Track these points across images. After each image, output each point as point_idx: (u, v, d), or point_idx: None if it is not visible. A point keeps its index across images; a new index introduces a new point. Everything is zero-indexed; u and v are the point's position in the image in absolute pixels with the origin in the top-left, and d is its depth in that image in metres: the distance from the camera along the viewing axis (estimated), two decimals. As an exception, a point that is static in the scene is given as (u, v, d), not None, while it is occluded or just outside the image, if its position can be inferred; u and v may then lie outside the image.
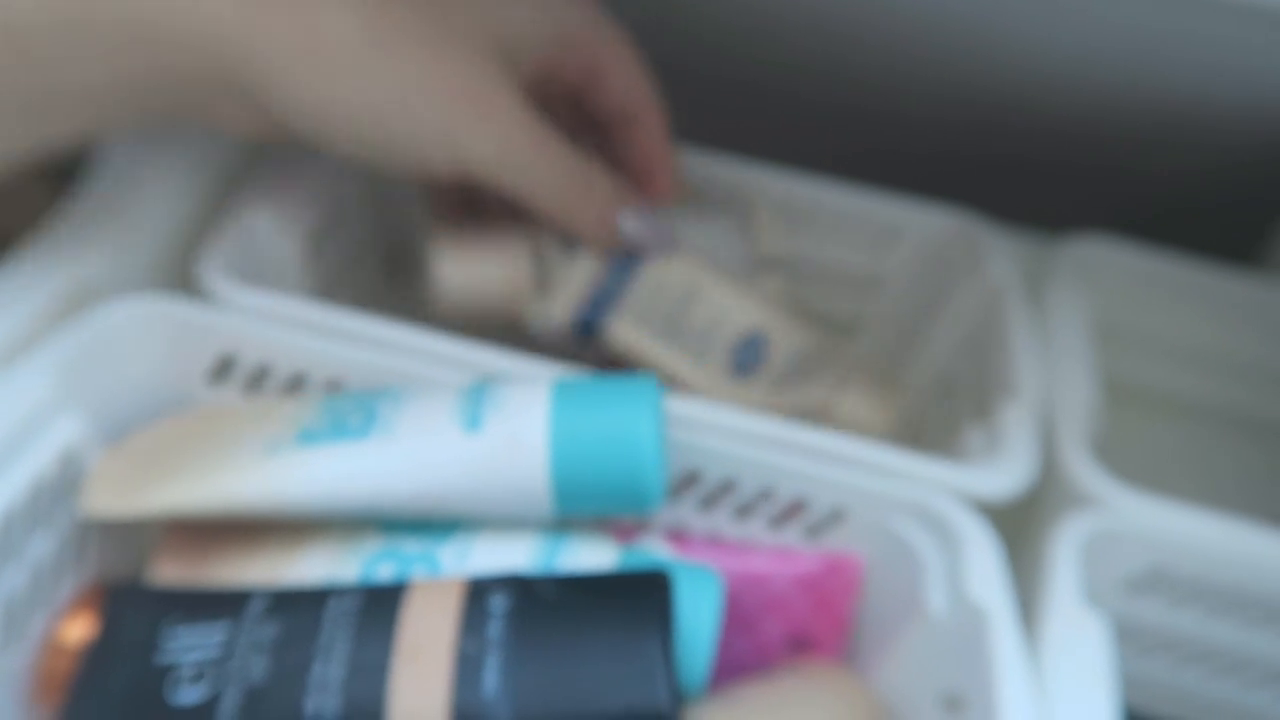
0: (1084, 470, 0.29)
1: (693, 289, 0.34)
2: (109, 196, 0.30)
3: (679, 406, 0.28)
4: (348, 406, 0.27)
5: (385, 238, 0.42)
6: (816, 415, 0.34)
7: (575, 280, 0.33)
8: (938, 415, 0.38)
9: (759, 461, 0.28)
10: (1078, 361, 0.33)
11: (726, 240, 0.37)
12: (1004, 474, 0.29)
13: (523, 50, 0.30)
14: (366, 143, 0.27)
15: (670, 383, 0.33)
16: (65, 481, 0.27)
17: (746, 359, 0.34)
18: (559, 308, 0.33)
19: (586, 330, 0.33)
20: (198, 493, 0.25)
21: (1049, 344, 0.34)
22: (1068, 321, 0.35)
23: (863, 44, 0.44)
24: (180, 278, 0.32)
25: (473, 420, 0.25)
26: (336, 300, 0.38)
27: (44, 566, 0.26)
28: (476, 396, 0.26)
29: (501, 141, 0.28)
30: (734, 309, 0.34)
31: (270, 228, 0.33)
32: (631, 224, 0.32)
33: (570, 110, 0.33)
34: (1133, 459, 0.40)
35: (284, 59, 0.25)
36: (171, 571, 0.27)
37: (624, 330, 0.33)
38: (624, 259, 0.33)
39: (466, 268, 0.32)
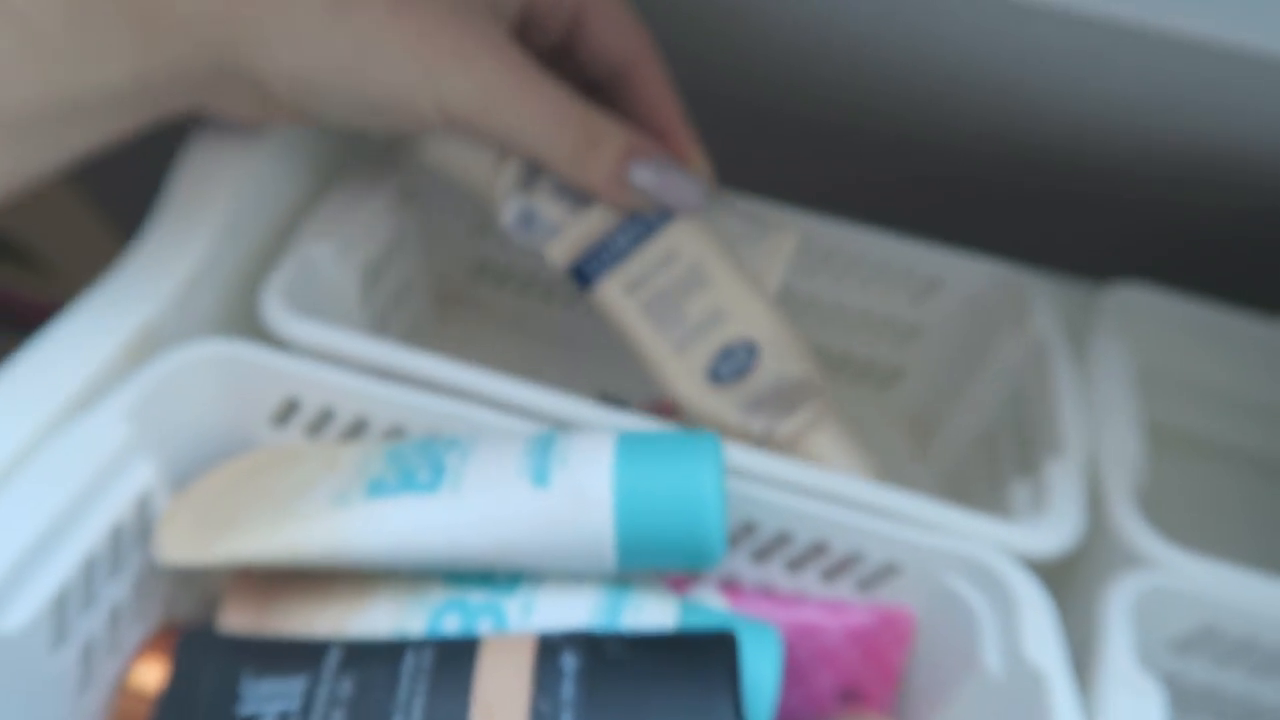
0: (1134, 529, 0.30)
1: (702, 273, 0.32)
2: (172, 236, 0.31)
3: (737, 457, 0.29)
4: (415, 457, 0.27)
5: (435, 270, 0.43)
6: (780, 448, 0.32)
7: (581, 225, 0.32)
8: (980, 465, 0.39)
9: (814, 515, 0.29)
10: (1123, 415, 0.34)
11: (751, 246, 0.35)
12: (1053, 532, 0.29)
13: (503, 4, 0.29)
14: (352, 103, 0.28)
15: (640, 363, 0.32)
16: (140, 526, 0.27)
17: (729, 367, 0.32)
18: (559, 250, 0.32)
19: (580, 280, 0.32)
20: (268, 543, 0.26)
21: (1093, 396, 0.35)
22: (1112, 373, 0.35)
23: (906, 85, 0.44)
24: (244, 312, 0.33)
25: (539, 475, 0.26)
26: (389, 330, 0.39)
27: (119, 610, 0.27)
28: (543, 450, 0.27)
29: (483, 88, 0.27)
30: (737, 311, 0.32)
31: (331, 261, 0.33)
32: (646, 176, 0.30)
33: (568, 73, 0.32)
34: (1175, 506, 0.41)
35: (261, 32, 0.26)
36: (239, 618, 0.27)
37: (613, 293, 0.32)
38: (641, 218, 0.32)
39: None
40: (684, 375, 0.32)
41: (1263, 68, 0.38)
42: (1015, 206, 0.48)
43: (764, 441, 0.32)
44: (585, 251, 0.32)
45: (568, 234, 0.32)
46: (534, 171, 0.32)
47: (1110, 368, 0.36)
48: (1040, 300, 0.38)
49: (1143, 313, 0.40)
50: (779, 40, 0.43)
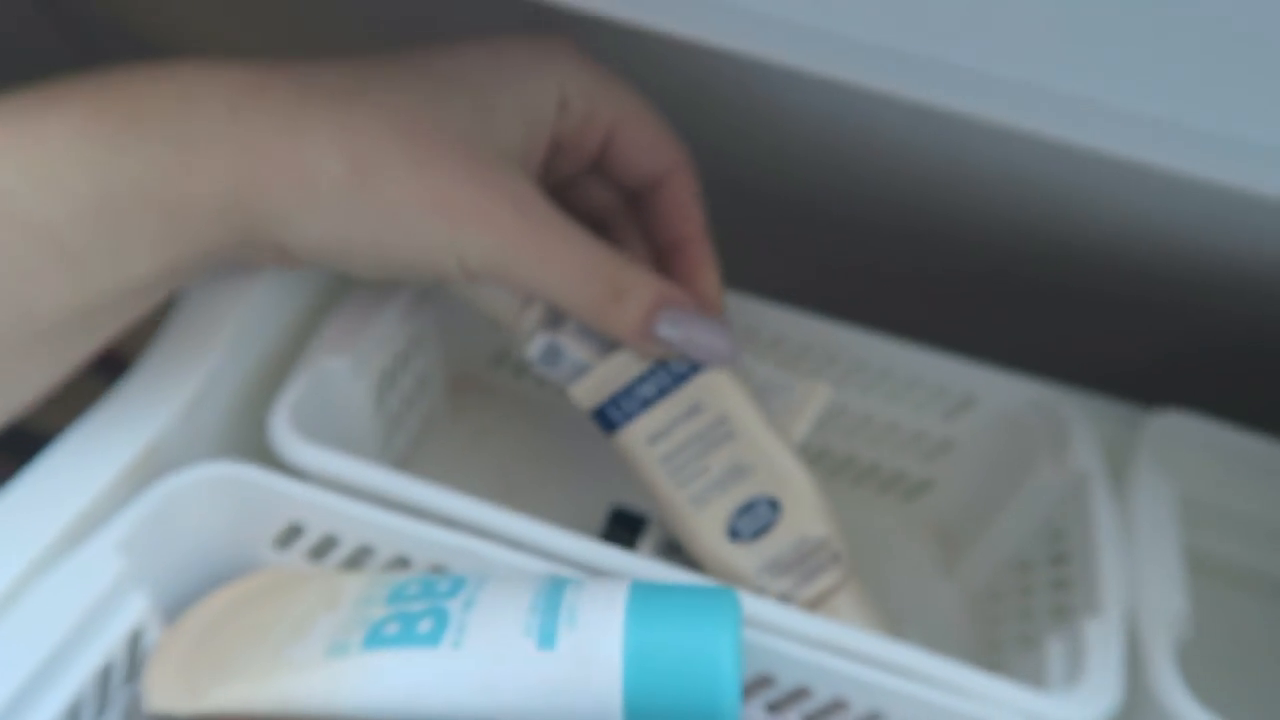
0: (1177, 699, 0.28)
1: (727, 426, 0.31)
2: (178, 353, 0.30)
3: (756, 608, 0.28)
4: (418, 604, 0.26)
5: (451, 363, 0.42)
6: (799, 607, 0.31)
7: (607, 369, 0.31)
8: (1011, 590, 0.37)
9: (834, 671, 0.27)
10: (1166, 564, 0.32)
11: (780, 397, 0.33)
12: (1090, 704, 0.27)
13: (531, 135, 0.29)
14: (378, 266, 0.28)
15: (659, 511, 0.31)
16: (130, 662, 0.26)
17: (749, 524, 0.31)
18: (583, 392, 0.31)
19: (604, 424, 0.31)
20: (260, 693, 0.24)
21: (1135, 535, 0.33)
22: (1154, 514, 0.34)
23: (944, 190, 0.43)
24: (250, 429, 0.32)
25: (546, 637, 0.25)
26: (402, 429, 0.38)
27: (103, 751, 0.26)
28: (550, 605, 0.25)
29: (505, 248, 0.27)
30: (761, 466, 0.31)
31: (345, 375, 0.33)
32: (673, 331, 0.29)
33: (600, 186, 0.32)
34: (1214, 642, 0.39)
35: (286, 211, 0.26)
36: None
37: (635, 442, 0.31)
38: (669, 366, 0.31)
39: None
40: (703, 531, 0.31)
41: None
42: (1050, 314, 0.46)
43: (787, 603, 0.30)
44: (609, 396, 0.31)
45: (592, 376, 0.31)
46: (560, 312, 0.31)
47: (1153, 507, 0.34)
48: (1079, 427, 0.36)
49: (1185, 442, 0.38)
50: (815, 142, 0.42)
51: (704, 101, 0.40)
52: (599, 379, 0.31)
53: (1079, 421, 0.36)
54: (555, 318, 0.31)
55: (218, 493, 0.28)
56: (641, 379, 0.31)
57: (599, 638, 0.24)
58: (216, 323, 0.31)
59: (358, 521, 0.28)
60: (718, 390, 0.31)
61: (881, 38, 0.22)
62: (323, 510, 0.28)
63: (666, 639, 0.24)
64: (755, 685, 0.28)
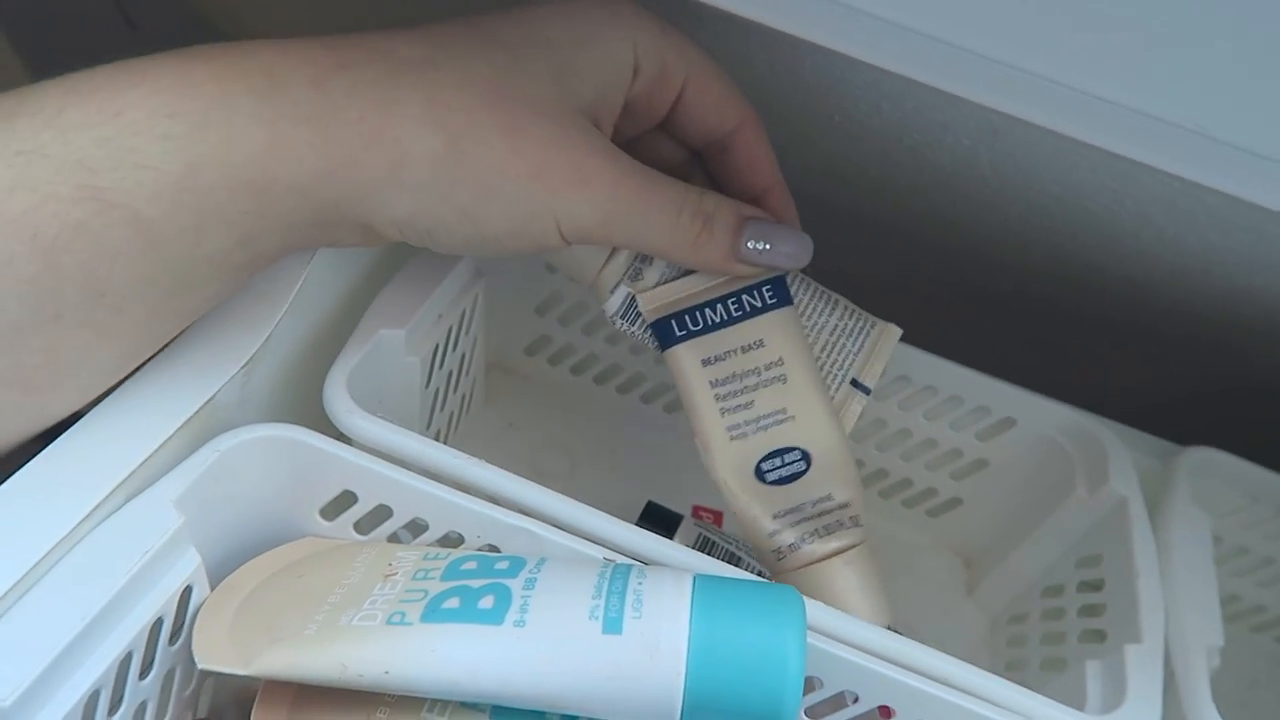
0: (1214, 731, 0.28)
1: (781, 370, 0.31)
2: (240, 313, 0.29)
3: (811, 612, 0.27)
4: (478, 582, 0.25)
5: (492, 344, 0.41)
6: (800, 568, 0.31)
7: (679, 285, 0.31)
8: (1035, 614, 0.37)
9: (884, 678, 0.27)
10: (1203, 596, 0.32)
11: (853, 339, 0.34)
12: (1134, 729, 0.28)
13: (606, 97, 0.29)
14: (469, 240, 0.27)
15: (693, 434, 0.31)
16: (178, 619, 0.26)
17: (778, 469, 0.31)
18: (648, 301, 0.31)
19: (662, 337, 0.31)
20: (315, 659, 0.24)
21: (1171, 567, 0.33)
22: (1190, 546, 0.34)
23: (1002, 215, 0.43)
24: (306, 392, 0.31)
25: (612, 621, 0.24)
26: (441, 408, 0.38)
27: (147, 707, 0.25)
28: (615, 590, 0.25)
29: (602, 206, 0.27)
30: (803, 418, 0.31)
31: (401, 347, 0.32)
32: (757, 244, 0.30)
33: (668, 143, 0.32)
34: (1241, 680, 0.39)
35: (376, 187, 0.26)
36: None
37: (689, 360, 0.31)
38: (740, 300, 0.31)
39: None
40: (731, 463, 0.31)
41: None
42: (1085, 345, 0.47)
43: (784, 556, 0.30)
44: (675, 309, 0.31)
45: (662, 288, 0.31)
46: (643, 259, 0.31)
47: (1189, 541, 0.34)
48: (1117, 454, 0.36)
49: (1214, 477, 0.39)
50: (876, 150, 0.43)
51: (767, 104, 0.40)
52: (668, 291, 0.31)
53: (1118, 448, 0.36)
54: (636, 270, 0.31)
55: (273, 454, 0.28)
56: (711, 302, 0.31)
57: (666, 626, 0.24)
58: (277, 286, 0.30)
59: (414, 493, 0.28)
60: (783, 333, 0.31)
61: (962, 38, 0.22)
62: (379, 479, 0.28)
63: (733, 632, 0.24)
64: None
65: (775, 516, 0.31)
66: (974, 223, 0.44)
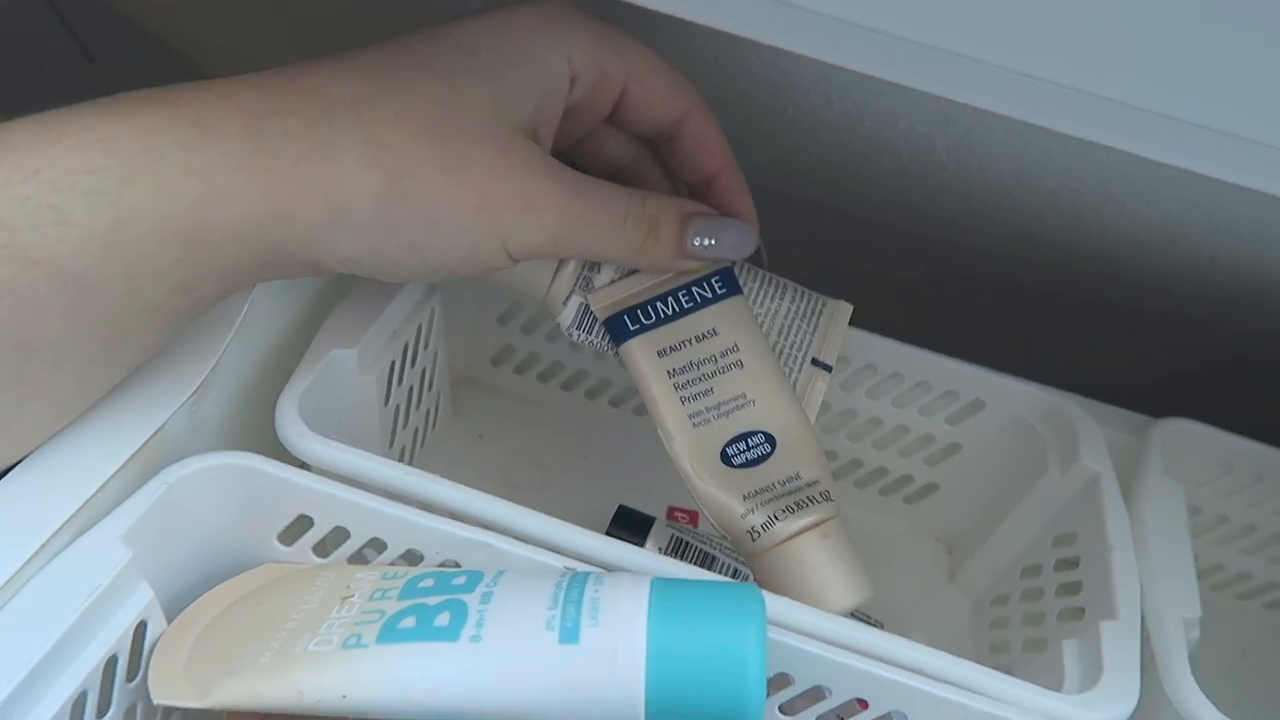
0: (1194, 703, 0.28)
1: (737, 356, 0.31)
2: (185, 343, 0.29)
3: (775, 607, 0.27)
4: (434, 599, 0.25)
5: (455, 358, 0.41)
6: (774, 547, 0.30)
7: (629, 283, 0.32)
8: (1015, 594, 0.37)
9: (855, 670, 0.27)
10: (1178, 568, 0.32)
11: (806, 320, 0.34)
12: (1110, 708, 0.27)
13: (545, 110, 0.28)
14: (418, 270, 0.27)
15: (657, 429, 0.31)
16: (135, 653, 0.25)
17: (743, 453, 0.31)
18: (599, 300, 0.31)
19: (615, 333, 0.31)
20: (271, 689, 0.24)
21: (1146, 541, 0.33)
22: (1164, 518, 0.34)
23: (952, 194, 0.43)
24: (257, 418, 0.31)
25: (569, 631, 0.24)
26: (405, 425, 0.37)
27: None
28: (571, 600, 0.25)
29: (549, 227, 0.27)
30: (763, 401, 0.31)
31: (354, 367, 0.32)
32: (703, 239, 0.30)
33: (620, 137, 0.32)
34: (1219, 647, 0.39)
35: (318, 231, 0.25)
36: (236, 756, 0.25)
37: (643, 353, 0.31)
38: (690, 292, 0.32)
39: None
40: (695, 451, 0.31)
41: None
42: (1054, 325, 0.46)
43: (758, 536, 0.30)
44: (626, 305, 0.31)
45: (613, 287, 0.31)
46: (592, 266, 0.32)
47: (1164, 514, 0.34)
48: (1088, 432, 0.36)
49: (1188, 449, 0.38)
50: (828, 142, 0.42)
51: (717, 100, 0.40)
52: (618, 289, 0.31)
53: (1088, 426, 0.36)
54: (585, 279, 0.31)
55: (224, 483, 0.28)
56: (662, 296, 0.31)
57: (623, 633, 0.24)
58: (224, 312, 0.30)
59: (370, 513, 0.28)
60: (735, 320, 0.32)
61: (898, 27, 0.22)
62: (334, 501, 0.28)
63: (692, 635, 0.24)
64: (771, 686, 0.28)
65: (745, 498, 0.30)
66: (936, 208, 0.44)
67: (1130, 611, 0.30)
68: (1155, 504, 0.34)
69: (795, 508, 0.30)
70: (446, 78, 0.27)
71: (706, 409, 0.31)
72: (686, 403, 0.31)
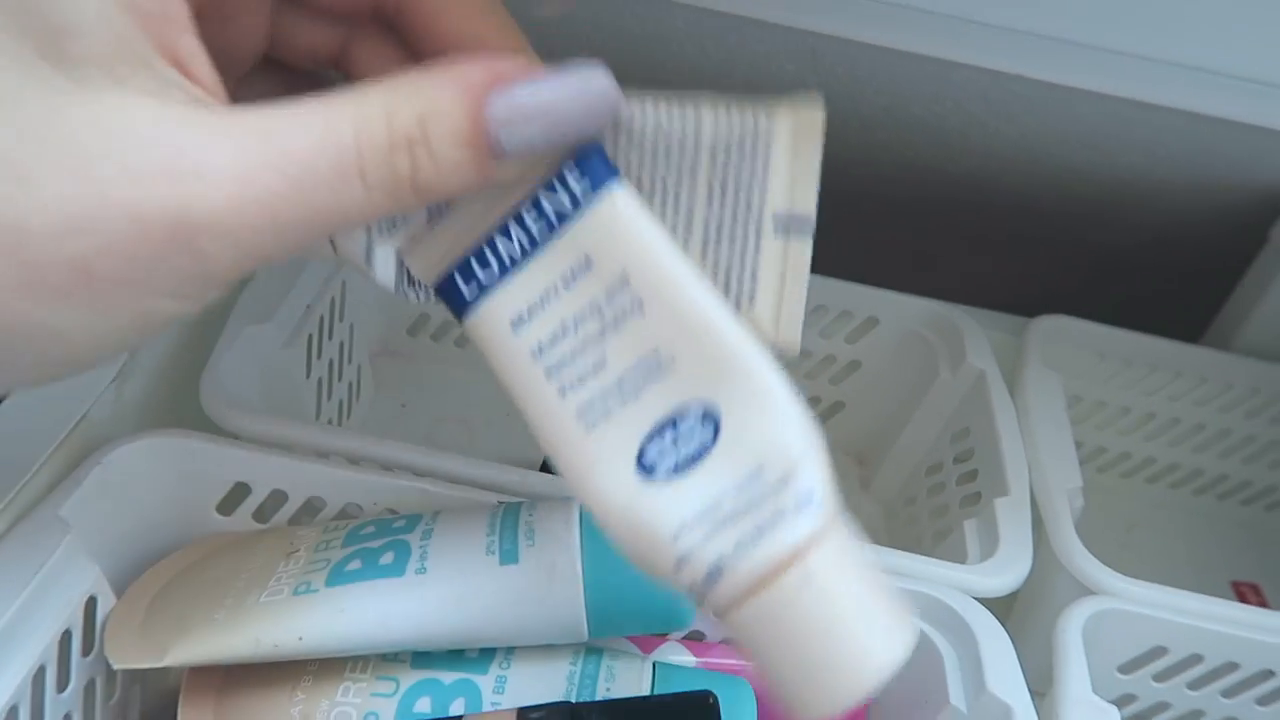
0: (1081, 561, 0.31)
1: (629, 296, 0.19)
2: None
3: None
4: (377, 542, 0.27)
5: (372, 329, 0.42)
6: (733, 598, 0.18)
7: (452, 225, 0.20)
8: (922, 493, 0.40)
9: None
10: (1060, 446, 0.35)
11: (726, 174, 0.20)
12: (1007, 573, 0.30)
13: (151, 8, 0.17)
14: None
15: (534, 435, 0.20)
16: (89, 629, 0.26)
17: (670, 450, 0.19)
18: (422, 262, 0.21)
19: (453, 304, 0.20)
20: (230, 642, 0.25)
21: (1030, 426, 0.36)
22: (1045, 404, 0.37)
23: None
24: (184, 398, 0.32)
25: (508, 552, 0.26)
26: (330, 397, 0.38)
27: (80, 712, 0.26)
28: (509, 525, 0.26)
29: (227, 225, 0.16)
30: (693, 353, 0.19)
31: (270, 341, 0.33)
32: (521, 134, 0.18)
33: (310, 27, 0.21)
34: (1105, 523, 0.43)
35: None
36: (202, 711, 0.26)
37: (494, 329, 0.20)
38: (533, 207, 0.19)
39: None
40: (596, 464, 0.19)
41: (1158, 112, 0.40)
42: (939, 246, 0.49)
43: (708, 588, 0.18)
44: (456, 260, 0.20)
45: (434, 238, 0.20)
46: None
47: (1043, 399, 0.37)
48: (973, 335, 0.39)
49: (1064, 342, 0.42)
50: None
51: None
52: (442, 240, 0.20)
53: (972, 330, 0.39)
54: (389, 222, 0.21)
55: (155, 459, 0.28)
56: (501, 228, 0.20)
57: (559, 548, 0.26)
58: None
59: (305, 472, 0.29)
60: (616, 231, 0.19)
61: None
62: (268, 465, 0.29)
63: (622, 542, 0.26)
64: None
65: (687, 524, 0.18)
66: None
67: (1020, 488, 0.33)
68: (1035, 391, 0.37)
69: (767, 526, 0.18)
70: None
71: (601, 395, 0.19)
72: (568, 394, 0.19)
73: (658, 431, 0.19)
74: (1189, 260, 0.47)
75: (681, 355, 0.19)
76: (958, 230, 0.49)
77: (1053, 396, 0.37)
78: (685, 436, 0.19)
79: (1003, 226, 0.48)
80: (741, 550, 0.18)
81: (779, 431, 0.19)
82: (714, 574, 0.18)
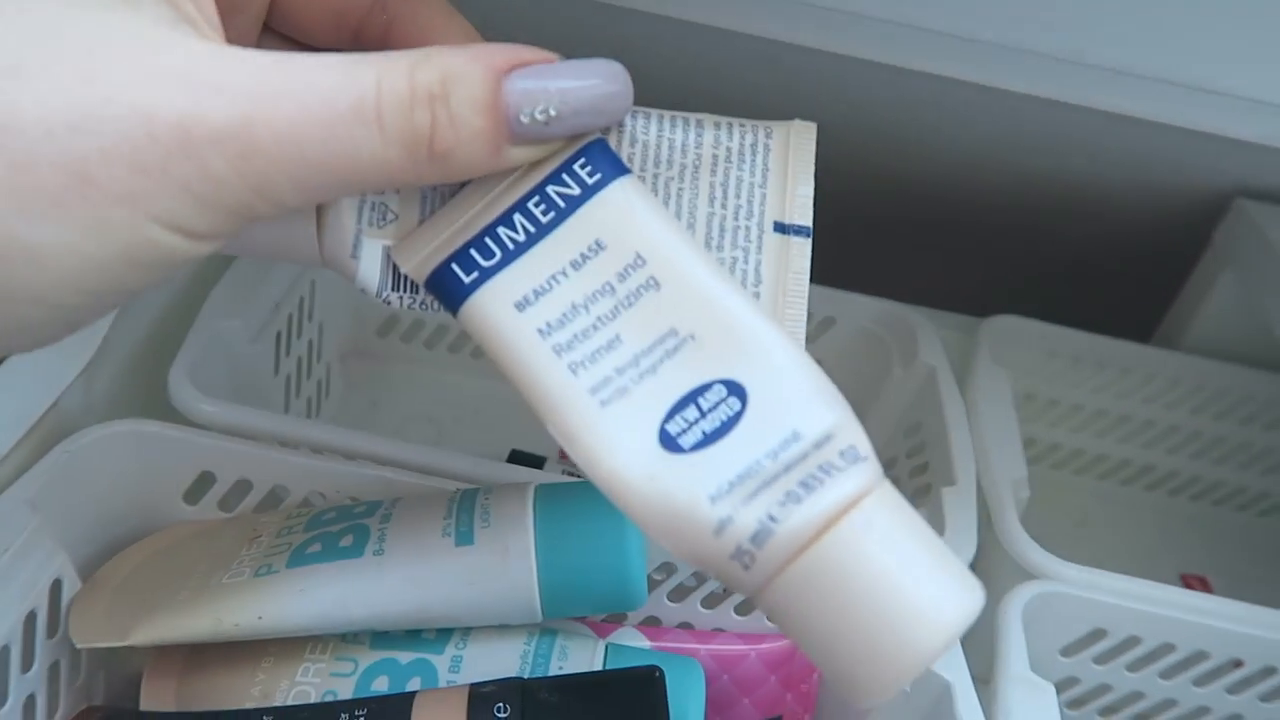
0: (1023, 546, 0.32)
1: (644, 275, 0.19)
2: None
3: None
4: (337, 527, 0.27)
5: (342, 328, 0.43)
6: (787, 557, 0.17)
7: (446, 215, 0.20)
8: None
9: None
10: (1006, 439, 0.36)
11: (729, 183, 0.21)
12: (951, 553, 0.31)
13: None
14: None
15: (546, 423, 0.19)
16: (53, 614, 0.27)
17: (694, 426, 0.18)
18: (410, 254, 0.20)
19: (446, 296, 0.20)
20: (191, 621, 0.25)
21: (979, 421, 0.37)
22: (993, 399, 0.38)
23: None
24: (153, 389, 0.32)
25: (463, 534, 0.26)
26: (299, 395, 0.39)
27: (35, 700, 0.26)
28: (465, 508, 0.27)
29: (230, 161, 0.16)
30: (714, 328, 0.19)
31: (240, 336, 0.34)
32: (539, 112, 0.18)
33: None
34: (1051, 515, 0.44)
35: None
36: (162, 695, 0.27)
37: (495, 312, 0.19)
38: (540, 196, 0.20)
39: None
40: (616, 442, 0.19)
41: (1102, 118, 0.41)
42: (894, 249, 0.51)
43: (752, 558, 0.17)
44: (453, 247, 0.20)
45: (427, 229, 0.20)
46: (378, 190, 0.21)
47: (992, 394, 0.38)
48: (924, 333, 0.40)
49: (1016, 341, 0.43)
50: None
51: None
52: (436, 234, 0.20)
53: (925, 328, 0.40)
54: (379, 209, 0.21)
55: (123, 448, 0.29)
56: (504, 217, 0.20)
57: (512, 530, 0.26)
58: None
59: (270, 461, 0.29)
60: (629, 218, 0.20)
61: None
62: (234, 454, 0.29)
63: (574, 525, 0.27)
64: (658, 574, 0.31)
65: (719, 493, 0.18)
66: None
67: (967, 477, 0.34)
68: (984, 387, 0.39)
69: (809, 485, 0.18)
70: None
71: (617, 371, 0.19)
72: (580, 371, 0.19)
73: (680, 406, 0.19)
74: (1137, 261, 0.49)
75: (702, 333, 0.19)
76: (913, 233, 0.50)
77: (1000, 392, 0.38)
78: (711, 409, 0.19)
79: (956, 229, 0.50)
80: (792, 504, 0.17)
81: (810, 400, 0.19)
82: (762, 533, 0.17)
